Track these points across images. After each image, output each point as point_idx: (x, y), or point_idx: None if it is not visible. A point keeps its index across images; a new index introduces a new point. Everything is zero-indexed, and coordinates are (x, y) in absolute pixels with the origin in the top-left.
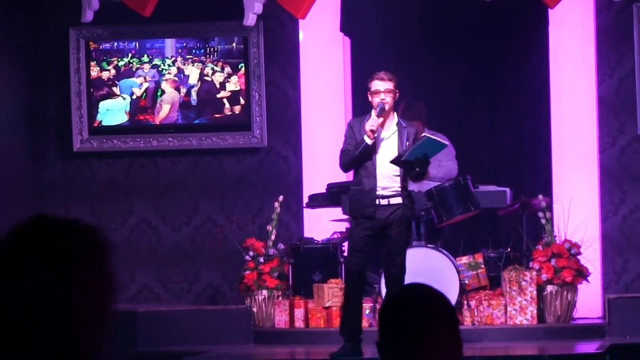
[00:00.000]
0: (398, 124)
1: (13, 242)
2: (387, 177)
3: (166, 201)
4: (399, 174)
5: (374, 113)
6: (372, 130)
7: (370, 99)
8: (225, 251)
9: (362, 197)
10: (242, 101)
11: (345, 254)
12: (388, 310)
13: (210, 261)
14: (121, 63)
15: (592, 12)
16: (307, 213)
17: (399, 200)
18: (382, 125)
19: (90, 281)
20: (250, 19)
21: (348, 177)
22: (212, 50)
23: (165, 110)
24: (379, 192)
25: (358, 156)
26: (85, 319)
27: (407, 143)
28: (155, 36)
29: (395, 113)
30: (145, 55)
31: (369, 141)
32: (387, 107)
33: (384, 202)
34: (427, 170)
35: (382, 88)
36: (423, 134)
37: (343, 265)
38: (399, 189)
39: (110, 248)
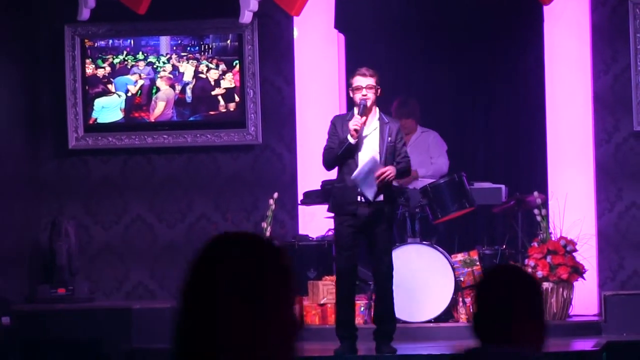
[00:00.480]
0: (380, 119)
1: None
2: None
3: (161, 198)
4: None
5: (356, 111)
6: (355, 130)
7: (351, 95)
8: None
9: (344, 194)
10: (236, 98)
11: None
12: (484, 286)
13: None
14: (116, 60)
15: (587, 9)
16: (302, 210)
17: (380, 197)
18: (364, 123)
19: (279, 292)
20: (246, 17)
21: None
22: (206, 47)
23: (160, 107)
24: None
25: (341, 155)
26: (276, 329)
27: (389, 139)
28: (150, 33)
29: (377, 108)
30: (140, 53)
31: (352, 140)
32: (369, 104)
33: (366, 198)
34: (415, 170)
35: (363, 84)
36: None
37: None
38: (380, 186)
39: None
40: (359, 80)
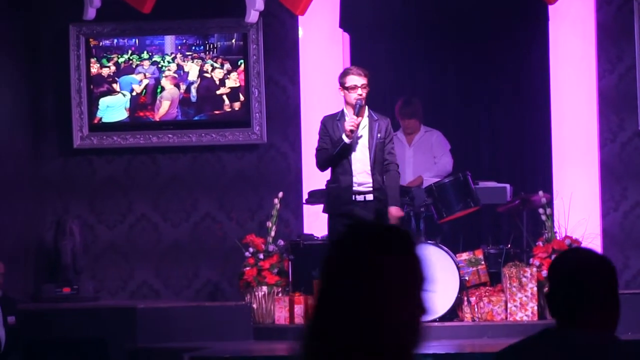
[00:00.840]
0: (369, 116)
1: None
2: (362, 173)
3: (166, 198)
4: (369, 170)
5: (346, 110)
6: (351, 130)
7: (342, 94)
8: (224, 247)
9: (339, 194)
10: (241, 98)
11: None
12: (556, 266)
13: (209, 258)
14: (121, 60)
15: (592, 8)
16: (307, 209)
17: (373, 196)
18: (359, 123)
19: (407, 276)
20: (252, 16)
21: None
22: (211, 46)
23: (164, 106)
24: (355, 188)
25: (336, 155)
26: (407, 312)
27: (379, 135)
28: (155, 33)
29: (366, 106)
30: (145, 52)
31: (347, 140)
32: (363, 103)
33: (360, 198)
34: (419, 176)
35: (359, 83)
36: None
37: None
38: (373, 185)
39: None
40: (354, 80)
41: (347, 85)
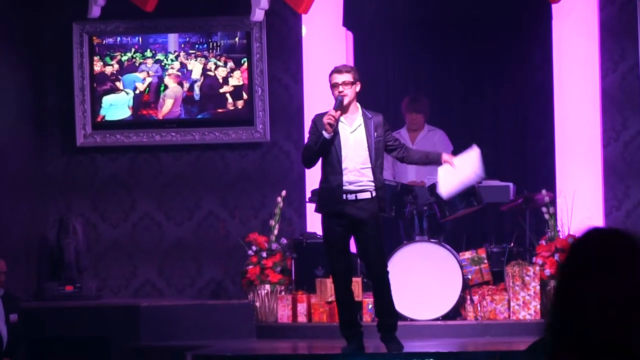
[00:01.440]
0: (363, 115)
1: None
2: (355, 172)
3: (169, 196)
4: (369, 166)
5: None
6: (329, 124)
7: (332, 93)
8: (227, 246)
9: (329, 194)
10: (244, 96)
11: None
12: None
13: (212, 256)
14: (124, 58)
15: (595, 6)
16: (310, 208)
17: (367, 195)
18: (344, 118)
19: None
20: (257, 15)
21: None
22: (215, 45)
23: (168, 105)
24: (347, 187)
25: (318, 151)
26: None
27: (375, 134)
28: (158, 31)
29: (359, 105)
30: (148, 50)
31: (326, 135)
32: (346, 100)
33: (351, 197)
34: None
35: (339, 81)
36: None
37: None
38: (368, 183)
39: None
40: (335, 78)
41: (331, 83)
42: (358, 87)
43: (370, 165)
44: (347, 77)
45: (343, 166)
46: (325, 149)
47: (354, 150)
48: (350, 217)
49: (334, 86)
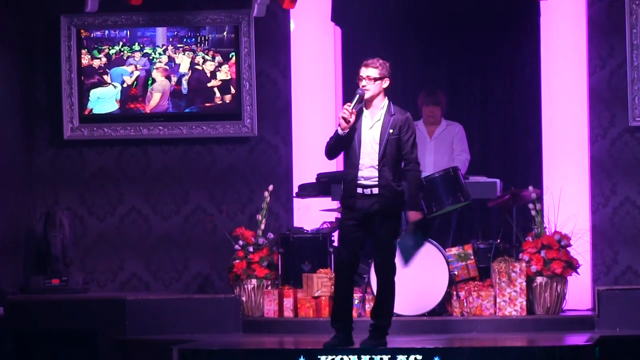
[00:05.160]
0: (387, 111)
1: None
2: (370, 168)
3: (156, 190)
4: (377, 165)
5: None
6: (344, 119)
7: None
8: (214, 240)
9: (346, 187)
10: (232, 90)
11: (335, 243)
12: None
13: (199, 250)
14: (112, 51)
15: (583, 4)
16: (297, 203)
17: (384, 190)
18: (368, 113)
19: None
20: (257, 10)
21: (338, 167)
22: (203, 39)
23: (155, 98)
24: (361, 182)
25: (334, 145)
26: None
27: (391, 131)
28: (146, 25)
29: (386, 100)
30: (137, 44)
31: (340, 132)
32: (367, 95)
33: (366, 191)
34: None
35: (363, 74)
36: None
37: (333, 256)
38: (379, 181)
39: None
40: (361, 71)
41: (358, 76)
42: (386, 83)
43: (377, 165)
44: (373, 72)
45: (360, 162)
46: (344, 143)
47: (370, 146)
48: (362, 210)
49: (359, 79)
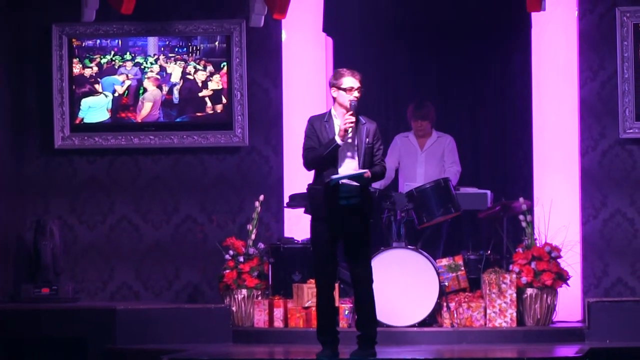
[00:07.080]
0: (358, 121)
1: None
2: None
3: (147, 199)
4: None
5: (334, 111)
6: (346, 130)
7: (336, 96)
8: (205, 250)
9: (322, 198)
10: (224, 100)
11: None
12: None
13: (190, 260)
14: (104, 60)
15: (575, 15)
16: (288, 213)
17: (356, 200)
18: (338, 124)
19: None
20: (254, 20)
21: None
22: (194, 48)
23: (147, 108)
24: (341, 192)
25: (327, 156)
26: None
27: (367, 140)
28: (138, 34)
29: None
30: (128, 53)
31: (339, 141)
32: (357, 104)
33: (343, 202)
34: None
35: (355, 85)
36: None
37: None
38: (356, 187)
39: None
40: (350, 82)
41: (343, 86)
42: None
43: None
44: (358, 82)
45: (340, 170)
46: (334, 155)
47: (349, 155)
48: (338, 222)
49: (348, 89)
